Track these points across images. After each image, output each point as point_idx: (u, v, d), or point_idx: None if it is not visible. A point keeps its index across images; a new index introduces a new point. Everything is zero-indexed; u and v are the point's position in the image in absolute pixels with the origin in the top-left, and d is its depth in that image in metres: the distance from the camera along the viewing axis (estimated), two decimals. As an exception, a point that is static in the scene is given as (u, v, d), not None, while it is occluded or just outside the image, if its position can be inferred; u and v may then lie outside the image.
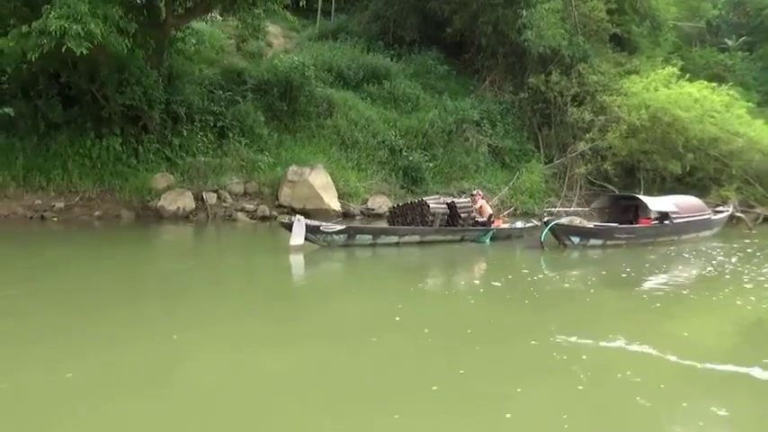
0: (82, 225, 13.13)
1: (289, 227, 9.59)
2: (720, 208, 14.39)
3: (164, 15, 15.51)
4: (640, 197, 12.65)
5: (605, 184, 20.66)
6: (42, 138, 14.99)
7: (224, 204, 15.30)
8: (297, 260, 9.27)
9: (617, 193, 17.60)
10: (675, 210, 12.07)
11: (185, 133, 16.52)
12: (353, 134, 18.73)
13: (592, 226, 11.32)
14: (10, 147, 14.47)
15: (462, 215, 11.24)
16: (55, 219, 13.43)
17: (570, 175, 21.28)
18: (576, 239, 10.98)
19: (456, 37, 24.16)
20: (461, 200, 12.15)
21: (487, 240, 11.61)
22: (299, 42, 24.93)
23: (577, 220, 11.26)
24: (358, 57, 21.56)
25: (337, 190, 16.69)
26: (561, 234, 10.91)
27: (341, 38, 23.83)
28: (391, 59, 22.65)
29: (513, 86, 23.49)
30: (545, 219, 11.33)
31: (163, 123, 16.15)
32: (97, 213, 13.92)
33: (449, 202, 11.55)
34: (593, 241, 11.15)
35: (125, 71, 14.12)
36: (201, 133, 16.80)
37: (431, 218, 10.83)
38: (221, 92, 17.89)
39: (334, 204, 15.46)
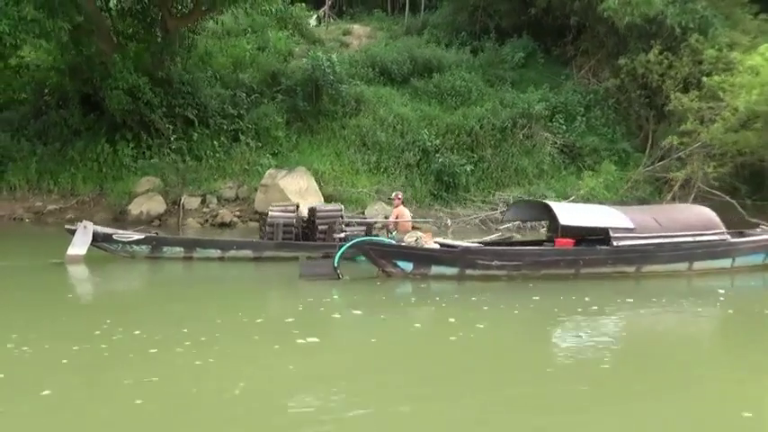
0: (44, 226, 13.38)
1: (74, 233, 8.24)
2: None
3: (159, 19, 15.37)
4: (550, 204, 8.27)
5: (716, 193, 15.25)
6: (64, 144, 15.88)
7: (204, 209, 14.53)
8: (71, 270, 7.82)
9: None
10: (628, 226, 7.75)
11: (195, 137, 16.22)
12: (376, 134, 16.65)
13: (431, 245, 7.74)
14: (31, 153, 15.54)
15: (321, 227, 8.66)
16: (28, 220, 13.94)
17: (679, 180, 16.18)
18: (405, 265, 7.49)
19: (551, 21, 20.51)
20: (328, 207, 9.50)
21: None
22: (380, 40, 23.52)
23: (414, 237, 7.73)
24: (411, 50, 19.34)
25: (336, 195, 14.87)
26: (380, 258, 7.51)
27: (426, 32, 21.87)
28: (474, 51, 20.02)
29: (610, 72, 18.99)
30: (342, 234, 8.11)
31: (174, 128, 16.06)
32: (69, 216, 14.10)
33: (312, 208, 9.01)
34: (438, 269, 7.50)
35: (109, 77, 14.14)
36: (214, 137, 16.39)
37: (269, 229, 8.53)
38: (244, 95, 17.31)
39: (310, 211, 13.62)
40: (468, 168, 16.45)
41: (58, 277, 7.64)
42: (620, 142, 17.93)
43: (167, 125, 15.82)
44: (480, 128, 17.20)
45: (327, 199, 15.00)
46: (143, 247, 8.50)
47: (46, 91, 16.67)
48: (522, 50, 20.35)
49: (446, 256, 7.45)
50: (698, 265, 7.98)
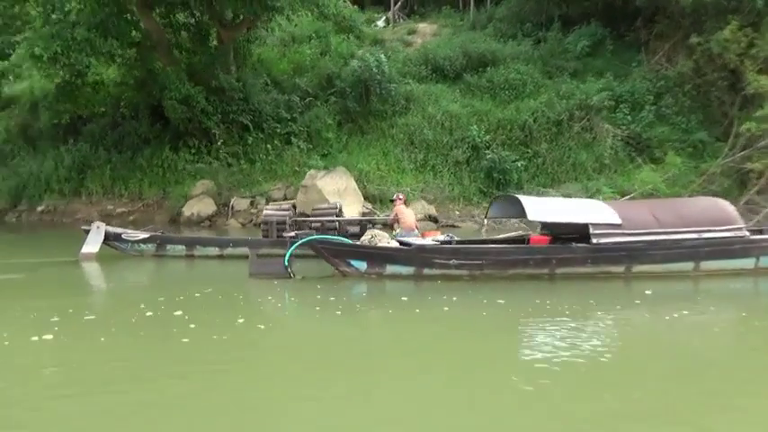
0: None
1: (88, 233, 8.80)
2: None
3: (212, 32, 16.18)
4: (520, 198, 7.29)
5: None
6: (135, 152, 17.20)
7: (252, 210, 15.10)
8: (90, 268, 8.39)
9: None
10: (613, 222, 6.80)
11: (250, 141, 16.92)
12: (423, 132, 16.44)
13: (389, 243, 7.29)
14: (106, 161, 16.99)
15: (314, 225, 8.57)
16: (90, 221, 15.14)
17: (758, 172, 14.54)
18: (359, 264, 7.13)
19: (622, 5, 19.23)
20: (323, 205, 9.32)
21: None
22: (443, 37, 23.28)
23: (369, 236, 7.25)
24: (465, 45, 18.90)
25: (378, 195, 14.92)
26: (334, 257, 7.20)
27: (491, 26, 21.37)
28: (537, 42, 19.24)
29: (685, 56, 17.40)
30: (292, 233, 7.68)
31: (229, 134, 16.88)
32: (131, 218, 15.22)
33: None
34: (394, 268, 7.06)
35: (164, 90, 15.12)
36: (268, 140, 17.02)
37: (264, 227, 8.57)
38: (298, 98, 17.82)
39: (349, 211, 13.70)
40: (520, 164, 15.79)
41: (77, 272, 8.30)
42: (696, 132, 16.35)
43: (223, 131, 16.62)
44: (534, 121, 16.47)
45: (368, 198, 15.09)
46: (149, 245, 9.00)
47: (122, 104, 18.11)
48: (589, 38, 19.19)
49: (400, 254, 7.12)
50: (707, 265, 6.99)
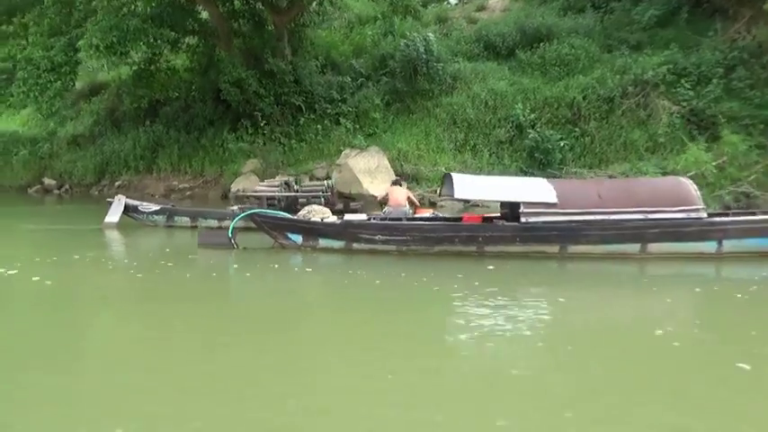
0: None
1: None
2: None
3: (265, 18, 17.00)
4: (452, 175, 6.85)
5: None
6: (200, 133, 18.66)
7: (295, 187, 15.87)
8: (109, 234, 9.51)
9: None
10: (548, 200, 6.33)
11: (302, 121, 17.72)
12: (466, 111, 16.29)
13: (322, 219, 7.47)
14: (176, 141, 18.59)
15: (301, 200, 8.90)
16: (155, 196, 16.67)
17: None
18: (296, 237, 7.35)
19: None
20: (312, 183, 9.54)
21: None
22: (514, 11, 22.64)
23: (306, 210, 7.29)
24: (520, 20, 18.34)
25: (413, 174, 15.10)
26: (273, 230, 7.48)
27: None
28: (605, 13, 18.29)
29: (765, 23, 15.74)
30: (236, 207, 7.85)
31: (283, 115, 17.79)
32: (189, 193, 16.57)
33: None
34: (326, 242, 7.26)
35: (219, 74, 16.23)
36: (318, 121, 17.72)
37: (255, 202, 9.05)
38: (350, 79, 18.34)
39: (375, 190, 14.05)
40: (564, 144, 15.21)
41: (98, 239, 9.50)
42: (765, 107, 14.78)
43: (276, 112, 17.54)
44: (584, 99, 15.72)
45: (403, 177, 15.29)
46: (161, 216, 9.95)
47: (192, 89, 19.62)
48: (662, 7, 17.86)
49: (330, 229, 7.36)
50: (657, 247, 6.53)
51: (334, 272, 6.71)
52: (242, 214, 7.81)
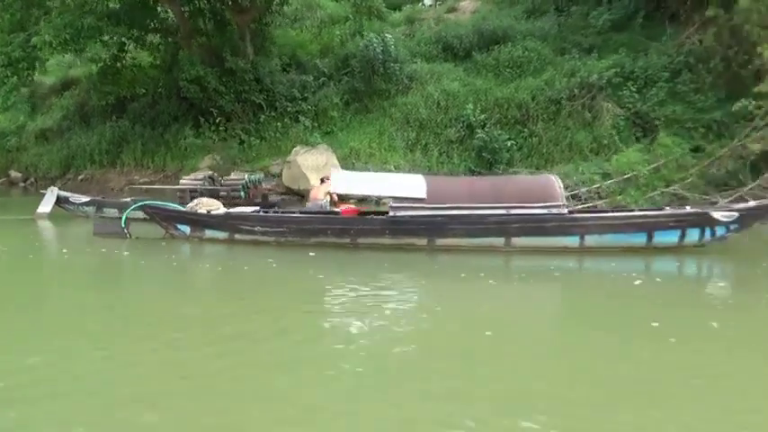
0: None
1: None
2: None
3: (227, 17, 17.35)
4: (333, 171, 7.32)
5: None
6: (164, 129, 19.03)
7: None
8: (41, 224, 9.90)
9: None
10: (417, 196, 6.72)
11: (262, 119, 18.10)
12: (418, 111, 16.66)
13: (208, 211, 7.93)
14: (140, 136, 18.96)
15: (222, 193, 9.29)
16: (114, 189, 17.05)
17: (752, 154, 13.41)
18: (184, 228, 7.78)
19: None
20: (233, 177, 9.92)
21: None
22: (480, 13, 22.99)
23: (205, 202, 7.70)
24: (478, 23, 18.72)
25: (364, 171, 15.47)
26: (164, 220, 7.98)
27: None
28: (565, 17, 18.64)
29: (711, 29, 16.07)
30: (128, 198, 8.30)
31: (244, 112, 18.16)
32: (146, 188, 16.92)
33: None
34: (211, 233, 7.73)
35: (177, 71, 16.60)
36: (279, 119, 18.09)
37: (179, 194, 9.42)
38: (311, 78, 18.72)
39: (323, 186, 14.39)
40: (510, 144, 15.57)
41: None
42: (713, 111, 15.12)
43: (238, 109, 17.91)
44: (532, 100, 16.09)
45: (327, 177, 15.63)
46: (90, 207, 10.33)
47: (159, 85, 19.99)
48: (620, 11, 18.23)
49: (213, 220, 7.78)
50: (520, 241, 6.92)
51: (205, 259, 7.20)
52: (134, 206, 8.20)
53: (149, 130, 19.17)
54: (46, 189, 10.82)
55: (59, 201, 10.57)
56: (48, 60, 14.87)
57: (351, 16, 22.58)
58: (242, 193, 10.09)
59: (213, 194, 9.97)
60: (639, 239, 7.06)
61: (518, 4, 20.91)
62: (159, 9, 17.12)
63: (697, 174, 13.94)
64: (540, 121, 15.93)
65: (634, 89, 15.64)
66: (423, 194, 7.11)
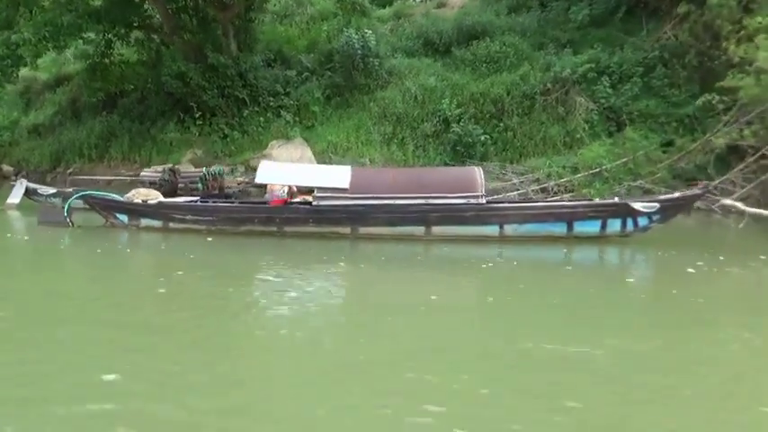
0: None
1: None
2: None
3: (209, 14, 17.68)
4: (262, 162, 7.66)
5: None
6: (152, 124, 19.44)
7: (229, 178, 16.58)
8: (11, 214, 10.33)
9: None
10: (339, 186, 6.99)
11: (246, 114, 18.43)
12: (396, 105, 16.91)
13: (144, 201, 8.40)
14: (128, 130, 19.38)
15: (180, 185, 9.63)
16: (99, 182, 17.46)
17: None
18: (122, 217, 8.20)
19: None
20: (190, 169, 10.25)
21: None
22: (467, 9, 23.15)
23: (142, 192, 8.03)
24: (459, 18, 18.90)
25: (340, 165, 15.76)
26: (103, 210, 8.42)
27: None
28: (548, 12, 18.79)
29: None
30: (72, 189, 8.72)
31: (228, 107, 18.51)
32: (130, 181, 17.35)
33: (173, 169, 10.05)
34: (147, 222, 8.15)
35: (161, 68, 16.98)
36: (262, 113, 18.42)
37: (139, 185, 9.79)
38: (294, 73, 19.03)
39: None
40: (484, 138, 15.77)
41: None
42: (686, 106, 15.22)
43: (222, 104, 18.26)
44: (508, 94, 16.28)
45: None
46: (58, 199, 10.71)
47: (149, 81, 20.39)
48: (601, 6, 18.34)
49: (148, 210, 8.15)
50: (440, 230, 7.19)
51: (134, 246, 7.61)
52: (75, 196, 8.59)
53: (137, 125, 19.57)
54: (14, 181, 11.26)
55: (28, 192, 10.97)
56: (29, 58, 15.26)
57: (339, 12, 22.89)
58: (200, 185, 10.41)
59: (173, 186, 10.33)
60: (560, 229, 7.30)
61: (503, 0, 21.05)
62: (145, 6, 17.46)
63: (665, 168, 14.10)
64: (514, 115, 16.13)
65: (608, 84, 15.78)
66: (346, 185, 7.42)
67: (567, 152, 15.34)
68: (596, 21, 18.13)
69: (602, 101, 15.68)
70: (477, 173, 7.56)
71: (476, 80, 17.00)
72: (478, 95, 16.50)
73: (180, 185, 10.41)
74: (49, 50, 15.54)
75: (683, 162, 14.24)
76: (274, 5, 23.00)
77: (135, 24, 17.32)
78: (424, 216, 7.25)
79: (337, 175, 7.71)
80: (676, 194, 8.28)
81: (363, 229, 7.44)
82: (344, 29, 18.88)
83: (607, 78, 15.84)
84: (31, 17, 14.29)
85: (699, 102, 13.24)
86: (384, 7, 24.68)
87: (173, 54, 16.91)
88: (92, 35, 16.73)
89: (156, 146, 18.69)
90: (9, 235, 8.15)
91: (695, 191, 8.48)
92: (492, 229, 7.23)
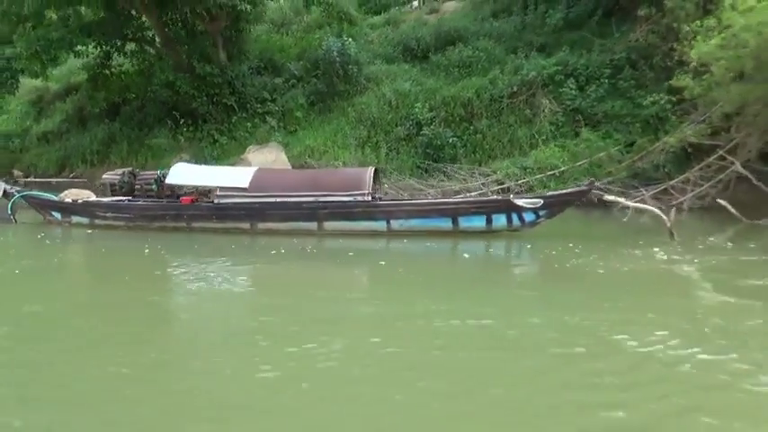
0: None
1: None
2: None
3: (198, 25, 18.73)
4: (177, 165, 8.45)
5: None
6: (149, 131, 20.60)
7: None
8: None
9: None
10: (239, 186, 7.69)
11: (234, 120, 19.42)
12: (371, 110, 17.61)
13: (74, 200, 9.43)
14: (127, 136, 20.59)
15: (137, 186, 10.48)
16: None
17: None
18: (57, 215, 9.26)
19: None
20: (148, 172, 11.10)
21: None
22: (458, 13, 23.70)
23: (73, 192, 8.89)
24: (438, 25, 19.51)
25: (316, 167, 16.55)
26: (41, 208, 9.50)
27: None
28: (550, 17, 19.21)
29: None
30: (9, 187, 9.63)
31: (217, 113, 19.53)
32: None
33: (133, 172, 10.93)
34: (77, 219, 9.18)
35: (152, 77, 18.10)
36: (249, 119, 19.38)
37: (101, 188, 10.66)
38: (281, 81, 19.94)
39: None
40: (452, 140, 16.32)
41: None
42: (652, 107, 15.47)
43: (211, 111, 19.29)
44: (477, 98, 16.79)
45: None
46: (5, 199, 11.77)
47: (148, 90, 21.59)
48: (580, 8, 18.71)
49: (76, 207, 9.06)
50: (331, 225, 7.86)
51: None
52: (17, 196, 9.61)
53: (136, 131, 20.76)
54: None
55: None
56: (36, 68, 16.57)
57: (334, 21, 23.73)
58: (154, 186, 11.26)
59: (130, 187, 11.23)
60: (446, 224, 7.89)
61: (493, 4, 21.54)
62: (139, 20, 18.61)
63: (624, 168, 14.42)
64: (483, 118, 16.63)
65: (574, 86, 16.14)
66: (245, 184, 8.22)
67: (534, 153, 15.75)
68: (572, 24, 18.48)
69: (569, 102, 16.04)
70: (367, 173, 8.22)
71: (448, 85, 17.55)
72: (449, 99, 17.05)
73: (137, 186, 11.28)
74: (42, 63, 16.79)
75: (643, 162, 14.53)
76: (272, 15, 24.05)
77: (129, 37, 18.45)
78: (316, 212, 7.98)
79: (239, 176, 8.55)
80: (561, 191, 8.74)
81: (261, 225, 8.25)
82: (325, 37, 19.71)
83: (574, 81, 16.20)
84: (23, 32, 15.54)
85: (646, 102, 13.54)
86: (379, 13, 25.46)
87: (161, 64, 17.97)
88: (90, 48, 17.86)
89: (150, 151, 19.81)
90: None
91: (581, 187, 8.91)
92: (380, 224, 7.90)
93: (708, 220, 11.50)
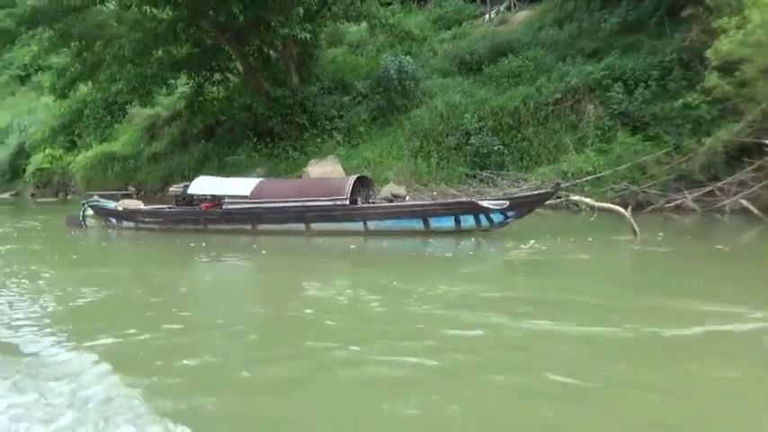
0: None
1: None
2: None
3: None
4: (201, 177, 9.82)
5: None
6: (236, 148, 23.21)
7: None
8: None
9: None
10: (243, 194, 9.04)
11: (306, 136, 21.41)
12: (423, 122, 18.67)
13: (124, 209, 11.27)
14: (217, 154, 23.34)
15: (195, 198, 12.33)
16: None
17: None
18: (113, 220, 11.06)
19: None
20: (178, 185, 12.86)
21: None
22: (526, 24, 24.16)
23: (126, 202, 10.69)
24: (493, 36, 20.19)
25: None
26: (102, 215, 11.38)
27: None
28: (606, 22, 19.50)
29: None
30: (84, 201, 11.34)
31: (291, 131, 21.65)
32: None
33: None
34: (126, 223, 10.99)
35: (233, 102, 20.59)
36: (319, 135, 21.27)
37: (169, 197, 12.64)
38: (348, 98, 21.68)
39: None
40: (499, 148, 16.92)
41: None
42: (699, 108, 15.11)
43: (285, 129, 21.43)
44: (524, 106, 17.25)
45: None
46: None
47: (233, 112, 24.32)
48: (638, 12, 18.60)
49: (124, 214, 10.90)
50: (316, 226, 9.04)
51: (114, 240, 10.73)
52: (88, 205, 11.90)
53: (225, 149, 23.46)
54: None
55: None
56: (127, 103, 19.72)
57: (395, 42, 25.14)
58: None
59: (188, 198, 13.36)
60: (417, 225, 8.79)
61: (558, 12, 21.83)
62: (223, 53, 21.27)
63: (667, 171, 14.25)
64: (530, 125, 17.06)
65: (622, 90, 16.12)
66: (247, 193, 9.82)
67: (566, 159, 15.96)
68: (630, 27, 18.35)
69: (615, 106, 16.05)
70: (348, 181, 9.46)
71: (497, 95, 18.17)
72: (497, 109, 17.66)
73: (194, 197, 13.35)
74: (141, 96, 19.85)
75: (688, 164, 14.27)
76: (350, 38, 25.97)
77: (216, 68, 21.11)
78: (303, 215, 9.42)
79: (243, 186, 10.28)
80: (527, 193, 9.26)
81: (260, 226, 9.94)
82: (385, 56, 21.09)
83: (621, 84, 16.18)
84: (126, 70, 18.58)
85: (678, 103, 13.40)
86: (449, 28, 26.48)
87: (238, 89, 20.43)
88: (183, 80, 20.72)
89: (234, 167, 22.31)
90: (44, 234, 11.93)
91: (547, 189, 9.30)
92: (357, 225, 9.17)
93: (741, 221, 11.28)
